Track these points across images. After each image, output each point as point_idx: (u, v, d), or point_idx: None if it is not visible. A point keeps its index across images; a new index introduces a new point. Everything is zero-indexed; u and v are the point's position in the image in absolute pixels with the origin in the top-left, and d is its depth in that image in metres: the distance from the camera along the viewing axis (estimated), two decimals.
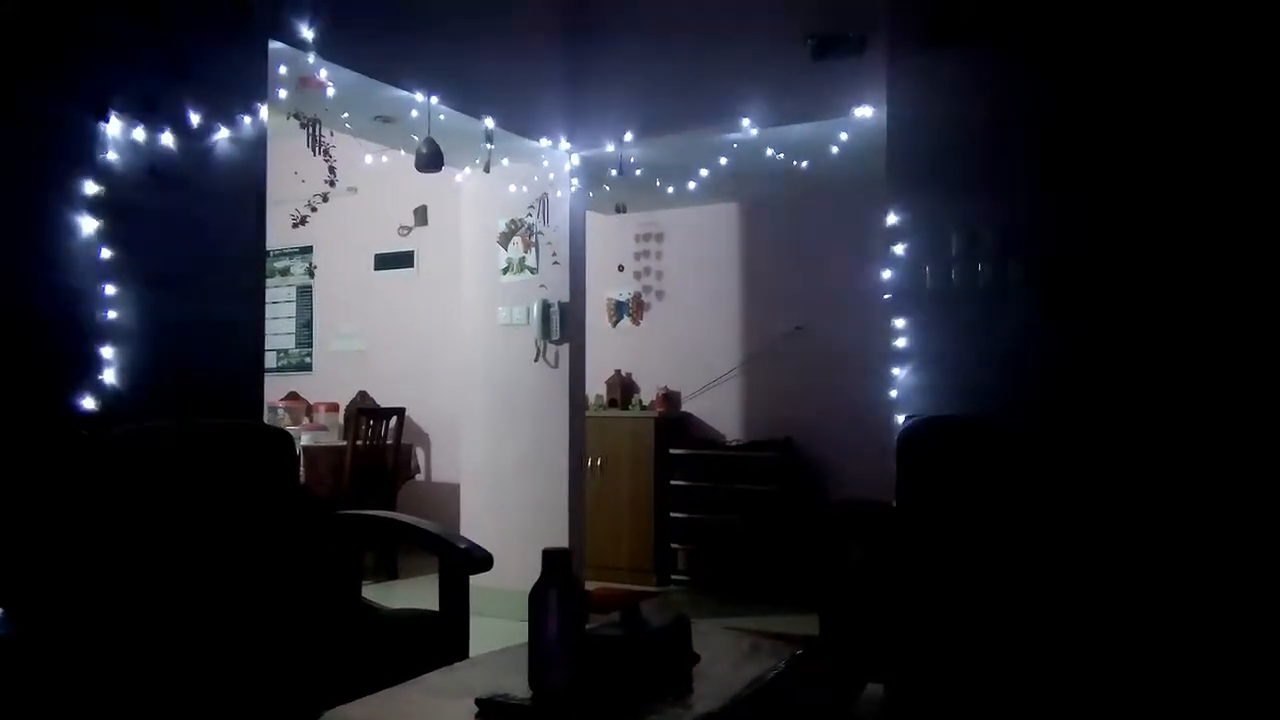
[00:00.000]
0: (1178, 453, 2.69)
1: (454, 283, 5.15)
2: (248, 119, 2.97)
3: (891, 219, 3.41)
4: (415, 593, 2.93)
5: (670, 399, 5.74)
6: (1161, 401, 2.93)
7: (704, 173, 4.75)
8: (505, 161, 4.49)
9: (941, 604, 2.57)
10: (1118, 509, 2.67)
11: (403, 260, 6.55)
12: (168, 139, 2.74)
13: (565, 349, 4.62)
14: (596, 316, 5.67)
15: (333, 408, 6.03)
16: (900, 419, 3.21)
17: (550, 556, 1.67)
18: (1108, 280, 3.07)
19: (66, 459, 2.25)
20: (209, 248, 2.86)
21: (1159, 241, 3.00)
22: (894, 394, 3.38)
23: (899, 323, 3.39)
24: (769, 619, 4.36)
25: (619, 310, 6.01)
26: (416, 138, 3.82)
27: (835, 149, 4.28)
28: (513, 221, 4.72)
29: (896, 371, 3.38)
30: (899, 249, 3.40)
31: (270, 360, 6.46)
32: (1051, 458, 2.82)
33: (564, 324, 4.61)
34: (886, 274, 3.44)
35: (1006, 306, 3.22)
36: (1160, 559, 2.54)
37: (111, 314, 2.58)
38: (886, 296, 3.45)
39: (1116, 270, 3.06)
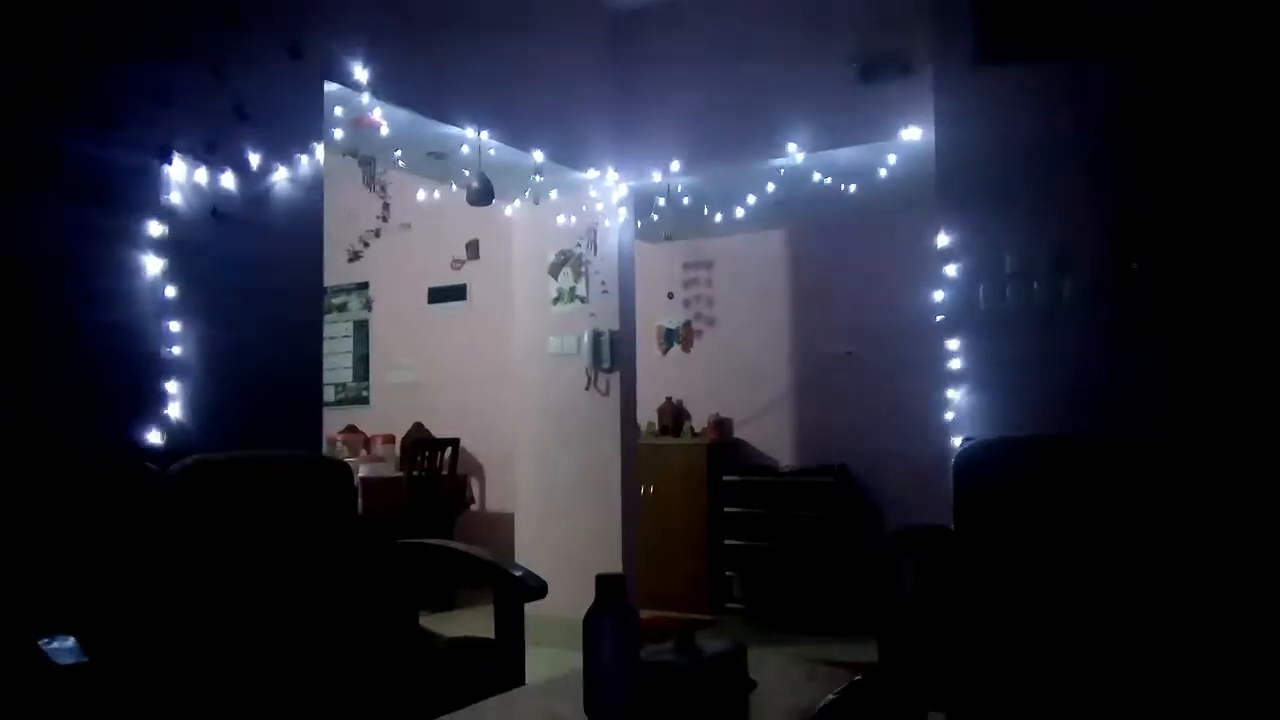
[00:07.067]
0: (1255, 477, 2.61)
1: (506, 314, 5.21)
2: (305, 159, 3.05)
3: (943, 240, 3.39)
4: (472, 621, 2.95)
5: (722, 426, 5.71)
6: (1232, 421, 2.85)
7: (751, 199, 4.76)
8: (554, 194, 4.54)
9: (1003, 632, 2.51)
10: (1186, 529, 2.59)
11: (456, 293, 6.65)
12: (228, 180, 2.82)
13: (616, 377, 4.64)
14: (647, 344, 5.69)
15: (389, 439, 6.11)
16: (957, 441, 3.16)
17: (605, 581, 1.66)
18: (1167, 296, 3.00)
19: (133, 491, 2.31)
20: (269, 285, 2.93)
21: (1219, 254, 2.93)
22: (950, 416, 3.34)
23: (953, 344, 3.35)
24: (826, 646, 4.29)
25: (669, 338, 6.03)
26: (468, 173, 3.89)
27: (883, 171, 4.26)
28: (562, 252, 4.77)
29: (952, 394, 3.34)
30: (951, 270, 3.37)
31: (329, 394, 6.58)
32: (1114, 480, 2.75)
33: (614, 352, 4.63)
34: (939, 295, 3.41)
35: (1062, 325, 3.16)
36: (1242, 590, 2.46)
37: (175, 350, 2.65)
38: (939, 318, 3.41)
39: (1175, 286, 2.99)
